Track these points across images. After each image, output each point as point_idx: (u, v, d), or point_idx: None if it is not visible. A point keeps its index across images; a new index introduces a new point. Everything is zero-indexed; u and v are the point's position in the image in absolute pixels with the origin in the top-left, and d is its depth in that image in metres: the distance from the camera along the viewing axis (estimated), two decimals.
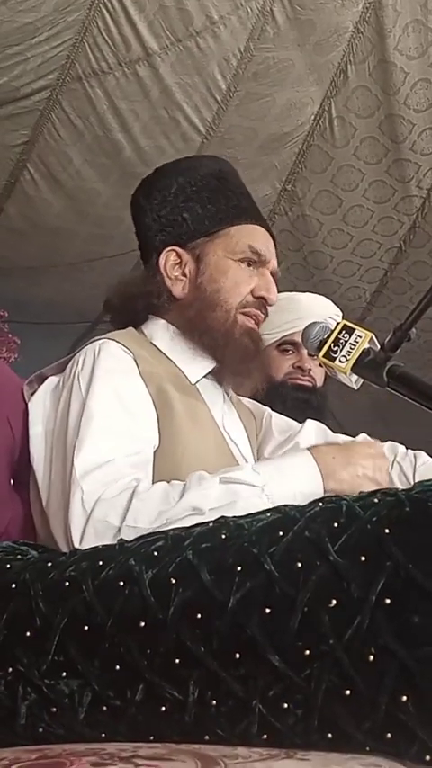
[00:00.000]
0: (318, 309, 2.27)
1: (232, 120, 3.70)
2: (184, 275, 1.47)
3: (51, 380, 1.39)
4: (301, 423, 1.71)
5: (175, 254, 1.47)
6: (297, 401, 2.21)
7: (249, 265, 1.47)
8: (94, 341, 1.37)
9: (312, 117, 3.78)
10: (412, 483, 1.58)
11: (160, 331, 1.47)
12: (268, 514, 0.90)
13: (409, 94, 3.65)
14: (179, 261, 1.47)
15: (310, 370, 2.26)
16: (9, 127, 3.59)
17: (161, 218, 1.49)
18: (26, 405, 1.37)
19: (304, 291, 2.68)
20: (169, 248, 1.47)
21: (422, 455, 1.66)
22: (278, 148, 3.87)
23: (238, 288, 1.45)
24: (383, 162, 3.91)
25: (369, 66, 3.60)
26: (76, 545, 1.11)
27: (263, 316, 1.49)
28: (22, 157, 3.72)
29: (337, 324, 1.32)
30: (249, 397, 2.03)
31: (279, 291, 1.52)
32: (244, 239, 1.47)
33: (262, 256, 1.48)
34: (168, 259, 1.47)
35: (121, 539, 0.99)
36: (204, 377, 1.46)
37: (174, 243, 1.48)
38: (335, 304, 2.40)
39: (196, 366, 1.45)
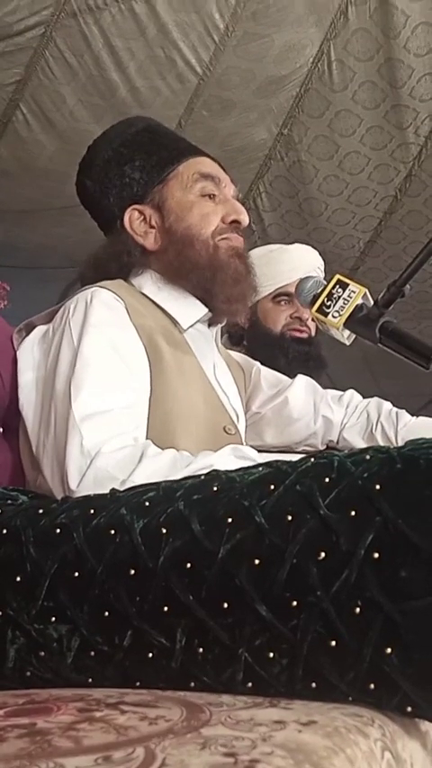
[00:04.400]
0: (307, 260, 2.29)
1: (229, 61, 3.62)
2: (152, 227, 1.46)
3: (40, 329, 1.38)
4: (304, 374, 1.72)
5: (136, 211, 1.46)
6: (299, 354, 2.23)
7: (211, 198, 1.46)
8: (85, 289, 1.36)
9: (311, 59, 3.70)
10: (393, 444, 1.60)
11: (147, 281, 1.46)
12: (260, 468, 0.90)
13: (410, 38, 3.58)
14: (142, 216, 1.46)
15: (307, 319, 2.27)
16: (2, 65, 3.51)
17: (110, 188, 1.48)
18: (15, 353, 1.37)
19: (298, 239, 2.67)
20: (129, 209, 1.46)
21: (404, 415, 1.68)
22: (275, 91, 3.80)
23: (207, 218, 1.44)
24: (381, 107, 3.84)
25: (370, 7, 3.51)
26: (73, 488, 1.11)
27: (241, 239, 1.48)
28: (15, 96, 3.64)
29: (332, 278, 1.31)
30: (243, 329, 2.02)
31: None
32: (193, 170, 1.47)
33: (214, 177, 1.47)
34: (132, 218, 1.46)
35: (113, 488, 1.00)
36: (195, 326, 1.45)
37: (131, 202, 1.47)
38: (329, 252, 2.41)
39: (188, 310, 1.44)
